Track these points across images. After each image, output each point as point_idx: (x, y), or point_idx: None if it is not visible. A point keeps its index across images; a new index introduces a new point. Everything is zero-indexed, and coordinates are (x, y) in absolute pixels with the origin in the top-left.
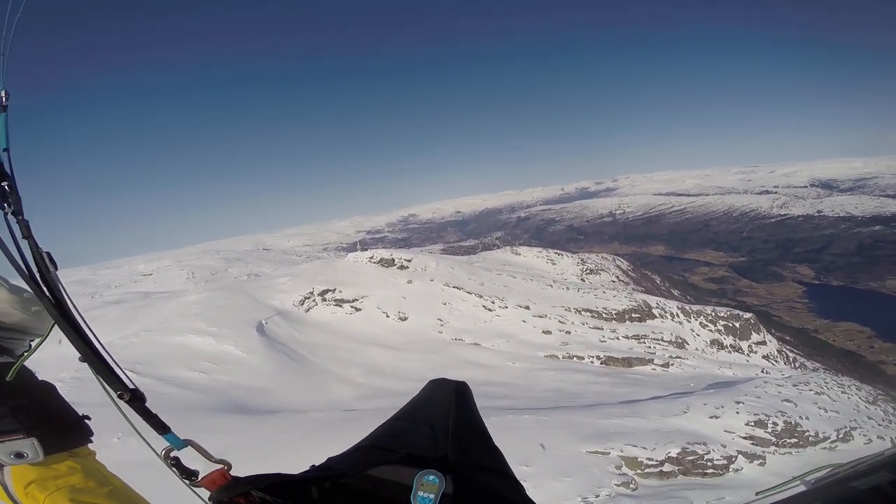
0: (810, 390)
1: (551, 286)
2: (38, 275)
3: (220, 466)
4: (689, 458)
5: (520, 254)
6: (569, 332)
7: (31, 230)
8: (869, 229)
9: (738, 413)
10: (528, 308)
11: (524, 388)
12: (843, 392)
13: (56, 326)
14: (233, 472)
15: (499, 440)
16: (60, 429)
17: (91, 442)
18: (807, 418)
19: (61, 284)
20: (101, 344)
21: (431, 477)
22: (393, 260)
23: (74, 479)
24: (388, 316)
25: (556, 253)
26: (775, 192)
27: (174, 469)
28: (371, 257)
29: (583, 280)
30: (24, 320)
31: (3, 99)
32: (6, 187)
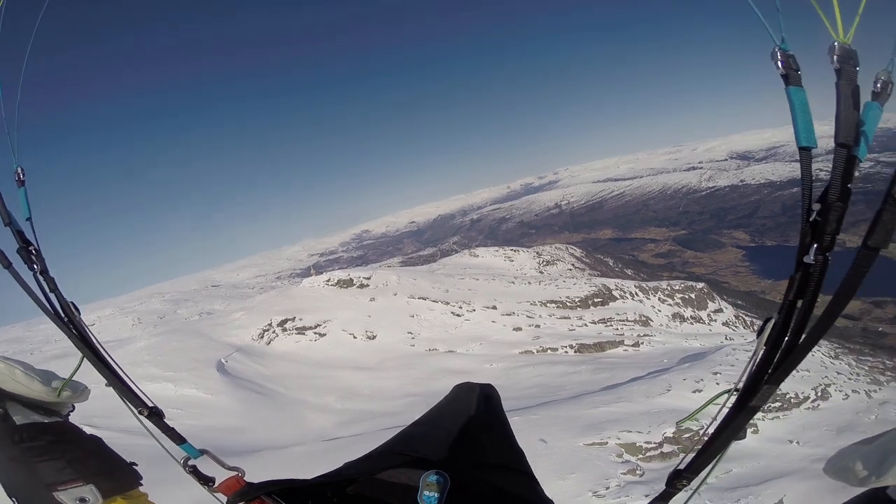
0: None
1: (513, 283)
2: (66, 319)
3: (234, 473)
4: (686, 435)
5: (478, 255)
6: (538, 326)
7: (56, 284)
8: (788, 191)
9: (717, 384)
10: (495, 308)
11: (506, 388)
12: None
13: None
14: (246, 479)
15: None
16: (113, 474)
17: (141, 485)
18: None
19: (85, 325)
20: (122, 370)
21: (436, 476)
22: (351, 280)
23: None
24: (355, 337)
25: (512, 250)
26: (701, 168)
27: (193, 476)
28: (328, 280)
29: (541, 272)
30: (55, 404)
31: (21, 174)
32: (33, 251)
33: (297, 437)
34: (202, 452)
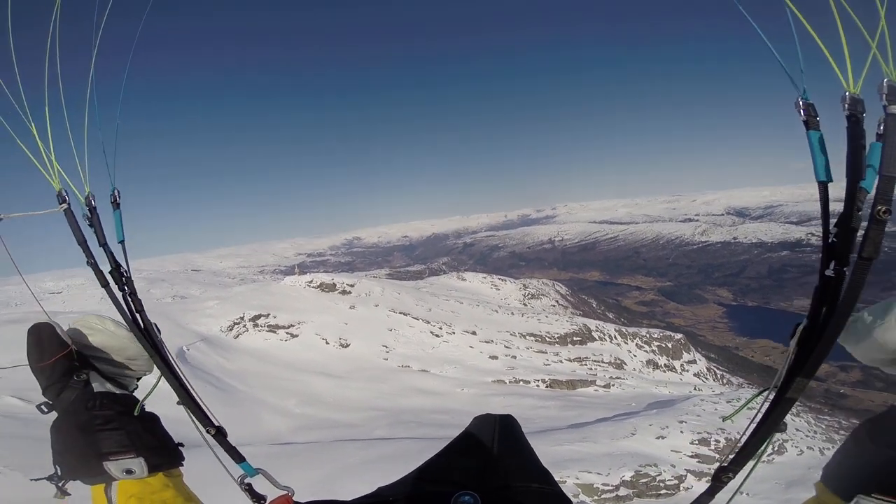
0: None
1: (496, 311)
2: (146, 336)
3: (284, 492)
4: (643, 480)
5: (465, 279)
6: (514, 357)
7: (142, 305)
8: (777, 254)
9: (682, 433)
10: (475, 333)
11: (474, 414)
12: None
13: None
14: (295, 499)
15: None
16: (162, 452)
17: (182, 465)
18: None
19: (164, 345)
20: (192, 388)
21: (467, 497)
22: (334, 284)
23: (166, 494)
24: (327, 342)
25: (500, 278)
26: (697, 220)
27: (247, 493)
28: (310, 281)
29: (525, 304)
30: (137, 354)
31: (117, 196)
32: (124, 274)
33: (247, 438)
34: (257, 471)
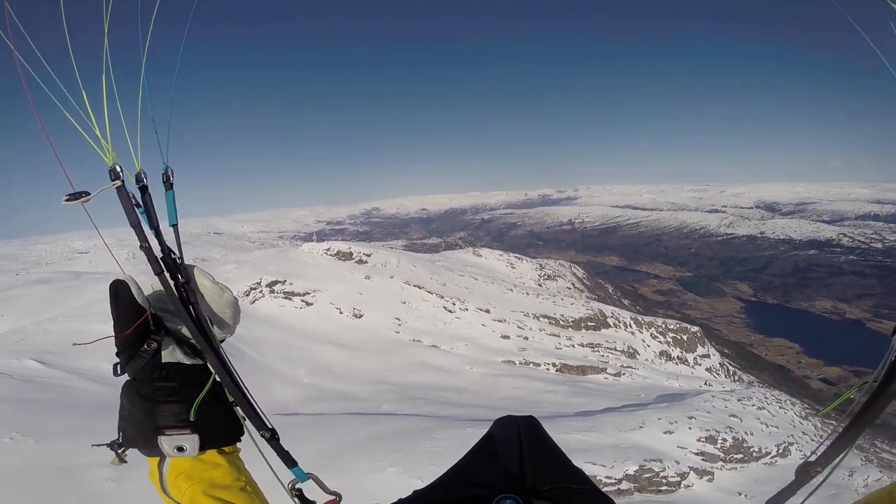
0: (753, 405)
1: (511, 290)
2: (199, 328)
3: (333, 497)
4: (646, 475)
5: (481, 255)
6: (526, 338)
7: (196, 297)
8: (805, 253)
9: (690, 428)
10: (488, 312)
11: (482, 394)
12: (780, 407)
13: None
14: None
15: (456, 457)
16: (221, 428)
17: (240, 441)
18: (751, 434)
19: (221, 347)
20: (248, 392)
21: (508, 501)
22: (351, 253)
23: (216, 473)
24: (341, 312)
25: (516, 257)
26: (724, 212)
27: (296, 499)
28: (328, 249)
29: (540, 285)
30: (232, 316)
31: (171, 175)
32: (177, 260)
33: None
34: (309, 476)
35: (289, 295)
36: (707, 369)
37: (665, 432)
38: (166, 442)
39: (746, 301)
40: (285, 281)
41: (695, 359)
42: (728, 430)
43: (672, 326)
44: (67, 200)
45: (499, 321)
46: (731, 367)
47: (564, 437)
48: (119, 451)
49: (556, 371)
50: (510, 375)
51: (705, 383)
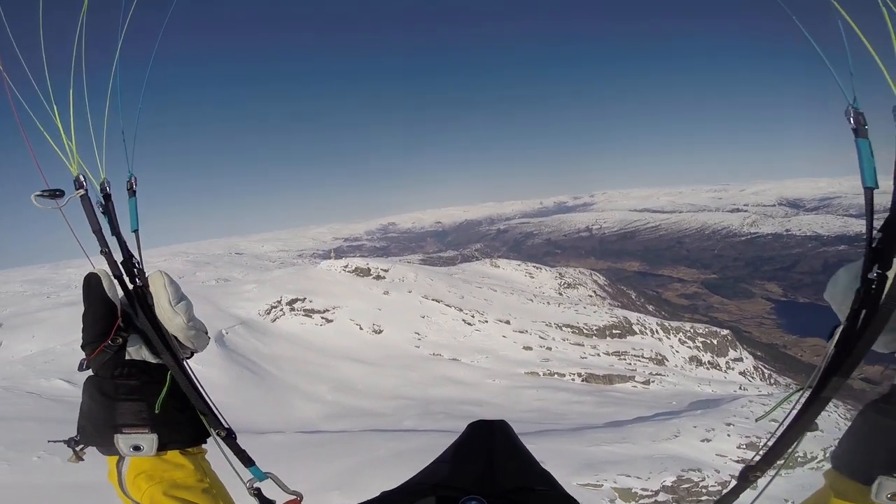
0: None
1: (531, 301)
2: (156, 330)
3: (293, 497)
4: (685, 486)
5: (499, 266)
6: (549, 349)
7: (154, 300)
8: (834, 248)
9: (728, 436)
10: (508, 323)
11: (505, 407)
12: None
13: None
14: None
15: None
16: (183, 428)
17: (205, 442)
18: None
19: (181, 351)
20: (204, 391)
21: (473, 502)
22: (369, 269)
23: (178, 474)
24: (361, 328)
25: (534, 266)
26: (745, 211)
27: (256, 498)
28: (346, 266)
29: (560, 294)
30: (185, 339)
31: (134, 184)
32: (136, 265)
33: (279, 425)
34: (267, 476)
35: (309, 312)
36: (741, 373)
37: (702, 440)
38: (122, 441)
39: (776, 301)
40: (305, 298)
41: (727, 363)
42: (770, 436)
43: (701, 331)
44: (40, 196)
45: (520, 332)
46: (765, 370)
47: (595, 450)
48: (77, 449)
49: (582, 381)
50: (534, 387)
51: (740, 388)
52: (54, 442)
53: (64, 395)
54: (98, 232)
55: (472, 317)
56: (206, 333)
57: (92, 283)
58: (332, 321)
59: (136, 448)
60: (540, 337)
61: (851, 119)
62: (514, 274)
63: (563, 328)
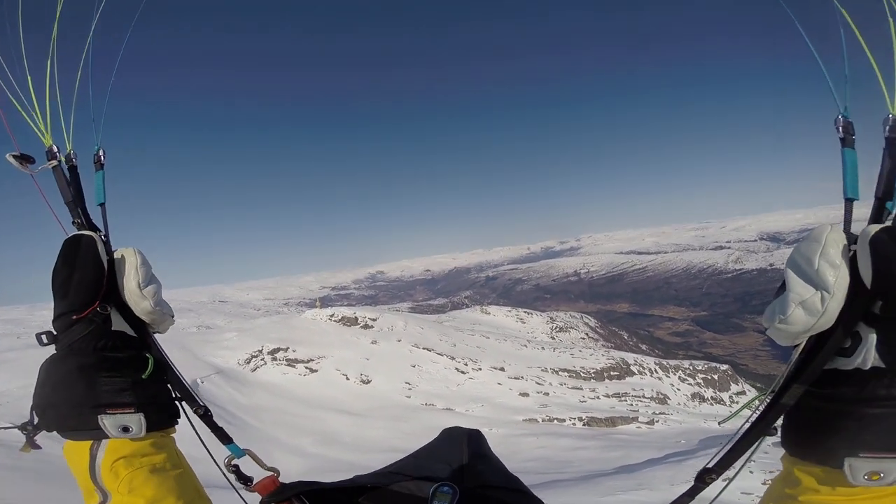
0: None
1: (525, 346)
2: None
3: (270, 473)
4: None
5: (490, 313)
6: (547, 394)
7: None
8: None
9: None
10: (502, 370)
11: (505, 457)
12: None
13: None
14: (281, 479)
15: None
16: (167, 407)
17: (178, 423)
18: None
19: (153, 334)
20: (179, 373)
21: (446, 488)
22: (356, 318)
23: (157, 458)
24: (348, 378)
25: (525, 312)
26: (729, 248)
27: (234, 475)
28: (332, 315)
29: (553, 338)
30: (152, 322)
31: (102, 157)
32: (102, 237)
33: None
34: (245, 452)
35: (292, 362)
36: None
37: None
38: (109, 421)
39: None
40: (288, 348)
41: (731, 397)
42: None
43: (700, 367)
44: (13, 157)
45: (515, 378)
46: None
47: (610, 499)
48: (31, 436)
49: (584, 425)
50: (534, 434)
51: (748, 421)
52: (5, 428)
53: (13, 440)
54: (71, 203)
55: (465, 365)
56: (172, 316)
57: (84, 244)
58: (316, 371)
59: (125, 429)
60: (536, 382)
61: (840, 128)
62: (505, 320)
63: (560, 372)
